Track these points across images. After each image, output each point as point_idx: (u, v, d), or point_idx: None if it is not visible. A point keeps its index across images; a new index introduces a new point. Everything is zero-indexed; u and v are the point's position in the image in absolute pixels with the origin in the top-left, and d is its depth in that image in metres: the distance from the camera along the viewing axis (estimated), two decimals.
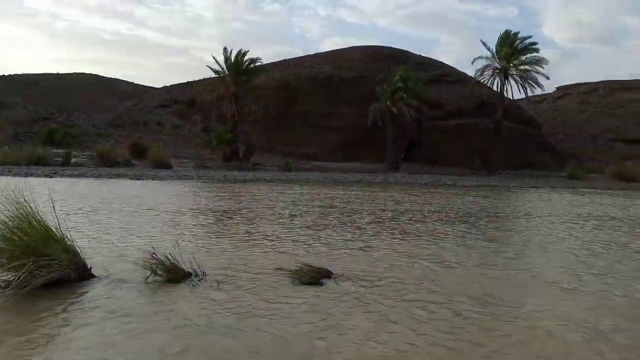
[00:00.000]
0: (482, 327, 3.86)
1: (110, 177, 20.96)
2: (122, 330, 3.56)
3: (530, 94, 39.05)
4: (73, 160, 27.48)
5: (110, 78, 55.06)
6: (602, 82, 59.24)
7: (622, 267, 6.23)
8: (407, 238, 8.01)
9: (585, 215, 12.69)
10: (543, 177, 35.85)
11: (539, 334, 3.73)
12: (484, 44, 39.42)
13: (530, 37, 38.27)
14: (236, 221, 9.33)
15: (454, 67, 50.85)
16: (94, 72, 55.99)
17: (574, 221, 11.17)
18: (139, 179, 20.83)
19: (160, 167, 27.61)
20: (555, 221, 11.13)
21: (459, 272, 5.72)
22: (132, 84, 55.30)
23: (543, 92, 47.44)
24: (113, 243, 6.61)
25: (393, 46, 51.61)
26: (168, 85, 51.56)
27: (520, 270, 5.95)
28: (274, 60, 49.57)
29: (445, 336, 3.62)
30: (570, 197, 19.63)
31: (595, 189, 26.89)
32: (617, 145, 46.99)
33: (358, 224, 9.45)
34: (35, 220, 4.60)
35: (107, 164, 27.30)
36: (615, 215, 13.01)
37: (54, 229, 4.70)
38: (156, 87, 53.44)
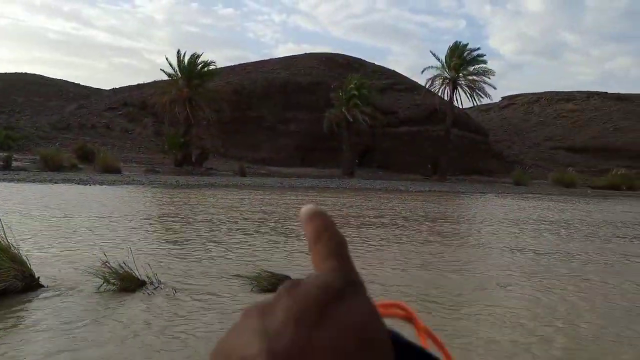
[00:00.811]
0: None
1: (56, 182, 20.04)
2: (66, 341, 3.44)
3: (478, 103, 40.62)
4: (14, 164, 26.07)
5: (56, 79, 52.73)
6: (545, 92, 62.40)
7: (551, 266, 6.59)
8: (366, 242, 8.12)
9: (524, 218, 13.31)
10: (490, 182, 37.27)
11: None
12: (434, 55, 40.72)
13: (478, 48, 39.81)
14: (192, 228, 9.16)
15: (406, 75, 52.16)
16: (38, 73, 53.38)
17: (513, 224, 11.70)
18: (87, 184, 20.04)
19: (109, 171, 26.65)
20: (495, 223, 11.62)
21: (407, 272, 5.87)
22: (78, 85, 53.15)
23: (490, 102, 49.49)
24: (62, 251, 6.35)
25: (347, 54, 52.35)
26: (117, 87, 49.98)
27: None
28: (228, 65, 49.13)
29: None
30: (514, 202, 20.50)
31: (540, 194, 28.22)
32: (559, 153, 49.56)
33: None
34: None
35: (52, 168, 26.08)
36: (552, 219, 13.71)
37: None
38: (104, 89, 51.64)
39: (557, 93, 61.18)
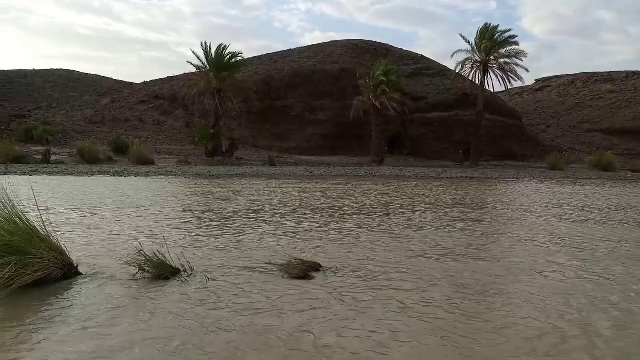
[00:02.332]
0: (470, 315, 3.92)
1: (92, 175, 20.64)
2: (110, 326, 3.53)
3: (510, 86, 39.57)
4: (53, 157, 26.98)
5: (88, 74, 54.05)
6: (581, 74, 60.26)
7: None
8: (396, 231, 8.06)
9: (561, 204, 12.93)
10: (524, 167, 36.38)
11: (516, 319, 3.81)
12: (464, 38, 39.93)
13: (509, 30, 38.67)
14: (224, 217, 9.28)
15: (435, 60, 51.18)
16: (71, 68, 54.84)
17: (550, 209, 11.38)
18: (122, 176, 20.56)
19: (143, 163, 27.29)
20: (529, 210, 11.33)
21: (448, 263, 5.78)
22: (111, 79, 54.34)
23: (523, 85, 48.09)
24: (99, 241, 6.53)
25: (374, 40, 51.76)
26: (148, 80, 50.88)
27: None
28: (255, 55, 49.31)
29: (432, 327, 3.67)
30: (549, 187, 19.94)
31: (576, 178, 27.39)
32: (596, 136, 47.91)
33: (347, 218, 9.48)
34: (19, 218, 4.52)
35: (88, 161, 26.89)
36: (591, 204, 13.27)
37: (38, 228, 4.63)
38: (136, 82, 52.65)
39: (594, 74, 58.95)
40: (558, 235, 7.89)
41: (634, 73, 56.06)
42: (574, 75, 60.63)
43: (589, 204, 13.33)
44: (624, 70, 57.64)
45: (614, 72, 57.75)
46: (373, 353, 3.18)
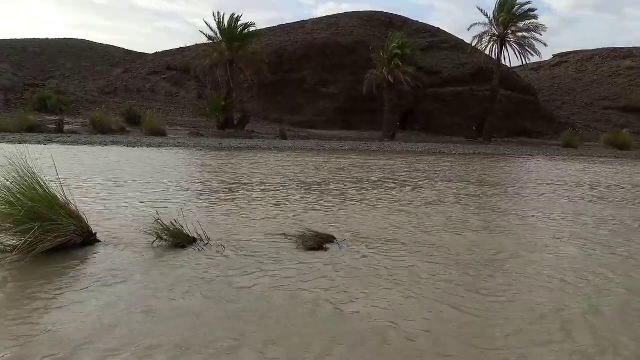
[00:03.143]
0: (483, 283, 3.94)
1: (105, 145, 20.79)
2: (130, 291, 3.61)
3: (527, 61, 38.70)
4: (66, 127, 27.16)
5: (101, 44, 53.84)
6: (600, 49, 58.75)
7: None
8: (409, 204, 8.06)
9: (574, 182, 12.81)
10: (538, 145, 35.94)
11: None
12: (481, 11, 38.91)
13: (529, 2, 37.57)
14: (238, 188, 9.33)
15: (451, 33, 50.14)
16: (84, 38, 54.65)
17: (564, 187, 11.29)
18: (135, 146, 20.69)
19: (155, 134, 27.38)
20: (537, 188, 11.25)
21: (464, 235, 5.79)
22: (123, 50, 54.11)
23: (540, 60, 47.04)
24: (117, 210, 6.62)
25: (389, 12, 50.73)
26: (160, 51, 50.60)
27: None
28: (268, 26, 48.67)
29: (449, 295, 3.70)
30: (563, 165, 19.73)
31: (591, 156, 27.04)
32: (613, 113, 47.00)
33: (360, 191, 9.49)
34: (39, 185, 4.58)
35: (101, 131, 27.04)
36: (605, 182, 13.13)
37: (57, 195, 4.69)
38: (148, 53, 52.40)
39: (614, 50, 57.36)
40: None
41: None
42: (593, 50, 59.14)
43: (602, 182, 13.19)
44: None
45: (635, 47, 56.18)
46: (389, 322, 3.23)
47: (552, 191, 10.66)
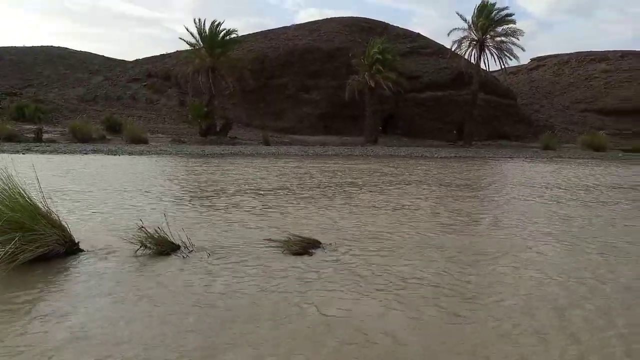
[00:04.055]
0: (468, 290, 4.02)
1: (86, 153, 20.53)
2: (109, 299, 3.59)
3: (505, 65, 39.44)
4: (45, 136, 26.76)
5: (80, 51, 53.19)
6: (576, 53, 60.06)
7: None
8: (395, 209, 8.14)
9: (552, 183, 13.08)
10: (518, 147, 36.54)
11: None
12: (461, 16, 39.57)
13: (506, 8, 38.46)
14: (223, 195, 9.31)
15: (431, 38, 50.77)
16: (63, 45, 53.92)
17: (541, 188, 11.52)
18: (116, 154, 20.47)
19: (137, 142, 27.15)
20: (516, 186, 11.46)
21: (444, 238, 5.87)
22: (103, 57, 53.54)
23: (518, 64, 47.94)
24: (100, 218, 6.56)
25: (370, 18, 51.18)
26: (140, 58, 50.20)
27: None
28: (250, 32, 48.69)
29: (433, 301, 3.76)
30: (541, 166, 20.10)
31: (569, 158, 27.59)
32: (589, 116, 48.05)
33: (345, 196, 9.55)
34: (20, 195, 4.52)
35: (81, 139, 26.71)
36: (581, 183, 13.42)
37: (39, 204, 4.64)
38: (128, 60, 51.93)
39: (589, 53, 58.75)
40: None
41: (630, 52, 55.96)
42: (569, 54, 60.47)
43: (580, 183, 13.49)
44: (620, 49, 57.49)
45: (609, 51, 57.61)
46: (373, 323, 3.27)
47: (528, 193, 10.87)
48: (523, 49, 38.76)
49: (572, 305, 3.70)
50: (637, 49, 56.42)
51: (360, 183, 11.95)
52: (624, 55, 55.71)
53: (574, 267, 4.76)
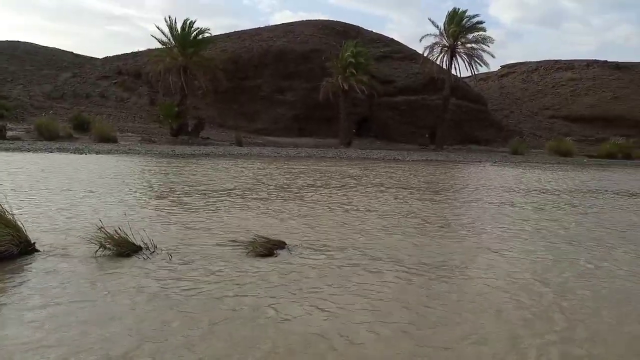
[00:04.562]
0: (428, 284, 4.05)
1: (51, 152, 19.95)
2: (62, 303, 3.48)
3: (476, 71, 40.18)
4: (9, 133, 25.87)
5: (47, 47, 51.71)
6: (544, 61, 61.70)
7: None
8: (359, 209, 8.17)
9: (518, 186, 13.39)
10: (487, 152, 37.26)
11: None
12: (432, 22, 40.27)
13: (477, 15, 39.19)
14: (189, 196, 9.17)
15: (405, 44, 51.35)
16: (30, 41, 52.35)
17: (508, 191, 11.78)
18: (83, 153, 19.96)
19: (105, 141, 26.52)
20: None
21: (407, 239, 5.92)
22: (71, 53, 52.16)
23: (488, 70, 48.96)
24: (60, 218, 6.37)
25: (345, 21, 51.42)
26: (110, 55, 49.11)
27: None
28: (223, 32, 48.27)
29: (396, 299, 3.78)
30: (510, 171, 20.54)
31: (537, 163, 28.27)
32: (556, 122, 49.38)
33: (312, 198, 9.53)
34: None
35: (47, 137, 25.93)
36: (547, 187, 13.78)
37: None
38: (98, 57, 50.75)
39: (557, 62, 60.45)
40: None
41: (594, 62, 57.80)
42: (537, 62, 62.06)
43: (546, 187, 13.83)
44: (585, 59, 59.33)
45: (575, 60, 59.38)
46: (333, 326, 3.26)
47: (497, 196, 11.09)
48: (493, 56, 39.66)
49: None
50: (601, 59, 58.34)
51: (321, 184, 11.97)
52: (589, 64, 57.52)
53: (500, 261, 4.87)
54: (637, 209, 9.90)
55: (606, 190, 13.42)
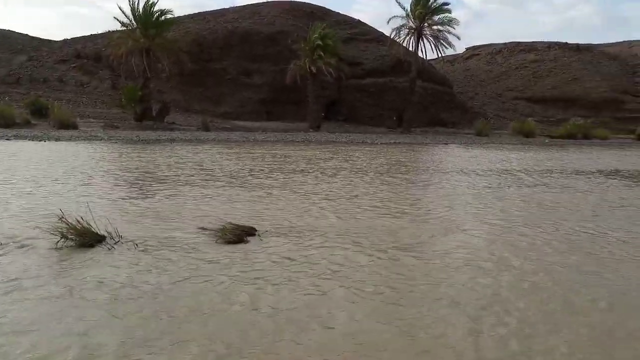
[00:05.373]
0: (396, 266, 4.10)
1: (7, 139, 19.14)
2: (19, 298, 3.35)
3: (442, 54, 40.52)
4: None
5: (2, 29, 49.23)
6: (508, 43, 62.73)
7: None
8: (328, 195, 8.16)
9: (479, 167, 13.69)
10: (453, 134, 37.85)
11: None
12: (399, 4, 40.16)
13: None
14: (154, 183, 8.96)
15: (372, 25, 51.20)
16: None
17: (472, 172, 12.03)
18: (41, 141, 19.23)
19: (65, 127, 25.60)
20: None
21: (375, 222, 5.96)
22: (27, 36, 49.82)
23: (454, 53, 49.46)
24: (16, 209, 6.11)
25: (311, 2, 50.79)
26: (69, 38, 47.15)
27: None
28: (187, 13, 46.95)
29: (368, 279, 3.79)
30: (474, 152, 20.96)
31: (500, 144, 28.92)
32: (519, 104, 50.50)
33: (287, 183, 9.47)
34: None
35: (3, 124, 24.83)
36: (504, 167, 14.13)
37: None
38: (55, 40, 48.65)
39: (519, 43, 61.57)
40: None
41: (555, 44, 59.15)
42: (501, 44, 63.07)
43: (508, 167, 14.18)
44: (547, 41, 60.63)
45: (537, 42, 60.61)
46: (306, 310, 3.25)
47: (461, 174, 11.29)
48: (459, 38, 40.11)
49: None
50: (561, 40, 59.73)
51: (298, 170, 11.91)
52: (550, 46, 58.84)
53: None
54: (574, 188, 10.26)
55: (556, 170, 13.86)
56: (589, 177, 12.16)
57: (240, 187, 8.69)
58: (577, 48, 57.13)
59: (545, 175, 12.32)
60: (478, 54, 63.00)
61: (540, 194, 8.99)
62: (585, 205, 7.93)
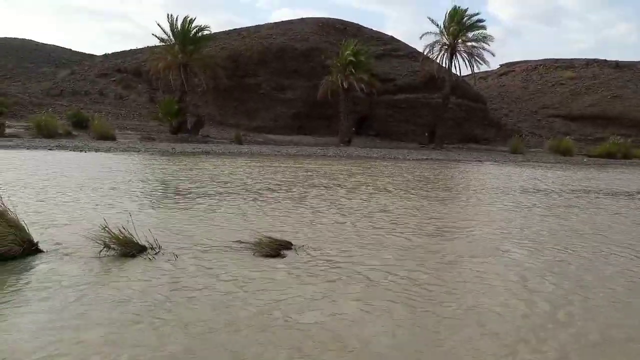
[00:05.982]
0: (435, 286, 3.99)
1: (50, 149, 19.85)
2: (65, 305, 3.41)
3: (476, 70, 40.10)
4: (7, 130, 25.76)
5: (46, 44, 51.50)
6: (544, 60, 61.66)
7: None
8: (366, 211, 8.10)
9: (519, 186, 13.34)
10: (487, 151, 37.23)
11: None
12: (432, 21, 40.06)
13: (478, 14, 39.13)
14: (193, 195, 9.10)
15: (404, 41, 51.21)
16: (28, 38, 52.14)
17: (509, 191, 11.73)
18: (82, 151, 19.86)
19: (104, 138, 26.43)
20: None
21: (414, 240, 5.86)
22: (70, 50, 51.97)
23: (489, 69, 48.89)
24: (63, 218, 6.29)
25: (344, 19, 51.27)
26: (110, 53, 48.94)
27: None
28: (222, 30, 48.10)
29: (404, 300, 3.71)
30: (510, 169, 20.50)
31: (536, 162, 28.24)
32: (556, 121, 49.34)
33: (319, 197, 9.46)
34: None
35: (46, 135, 25.81)
36: (546, 187, 13.74)
37: None
38: (97, 54, 50.56)
39: (556, 60, 60.43)
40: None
41: (594, 61, 57.79)
42: (537, 61, 62.02)
43: (545, 186, 13.79)
44: (584, 58, 59.32)
45: (575, 59, 59.38)
46: (345, 328, 3.20)
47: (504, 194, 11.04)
48: (493, 54, 39.70)
49: None
50: (599, 57, 58.35)
51: (334, 185, 11.90)
52: (589, 63, 57.51)
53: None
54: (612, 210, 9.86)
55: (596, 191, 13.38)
56: None
57: (277, 201, 8.72)
58: (617, 65, 55.62)
59: (594, 196, 11.93)
60: (513, 71, 62.12)
61: (595, 216, 8.70)
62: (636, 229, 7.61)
